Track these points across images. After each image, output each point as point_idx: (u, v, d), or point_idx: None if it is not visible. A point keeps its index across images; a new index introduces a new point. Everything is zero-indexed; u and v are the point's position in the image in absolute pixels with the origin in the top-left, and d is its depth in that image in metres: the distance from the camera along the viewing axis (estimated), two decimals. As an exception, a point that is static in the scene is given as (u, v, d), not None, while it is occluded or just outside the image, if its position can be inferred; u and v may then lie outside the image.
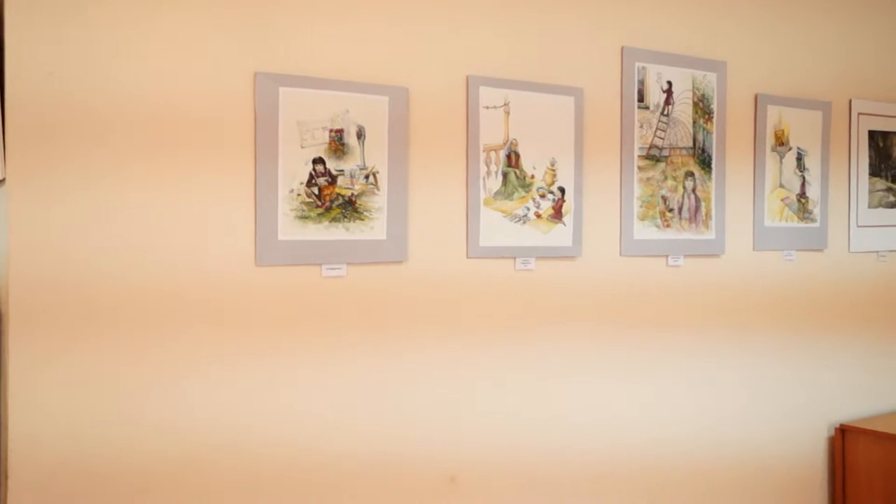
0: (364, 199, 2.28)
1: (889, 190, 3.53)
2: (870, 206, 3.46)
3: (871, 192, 3.46)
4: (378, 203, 2.30)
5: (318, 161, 2.22)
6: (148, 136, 2.00)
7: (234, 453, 2.11)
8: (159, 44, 2.01)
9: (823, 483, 3.31)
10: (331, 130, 2.23)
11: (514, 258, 2.54)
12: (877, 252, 3.49)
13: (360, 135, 2.28)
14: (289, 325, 2.19)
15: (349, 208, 2.26)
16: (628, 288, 2.78)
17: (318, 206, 2.22)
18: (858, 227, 3.42)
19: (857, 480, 3.21)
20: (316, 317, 2.23)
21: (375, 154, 2.30)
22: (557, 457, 2.63)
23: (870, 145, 3.45)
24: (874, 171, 3.47)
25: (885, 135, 3.50)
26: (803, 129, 3.20)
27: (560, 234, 2.61)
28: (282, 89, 2.16)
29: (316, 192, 2.22)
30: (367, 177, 2.29)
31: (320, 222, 2.22)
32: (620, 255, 2.76)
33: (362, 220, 2.28)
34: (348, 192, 2.26)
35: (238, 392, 2.12)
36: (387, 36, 2.33)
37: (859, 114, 3.40)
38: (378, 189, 2.30)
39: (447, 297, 2.43)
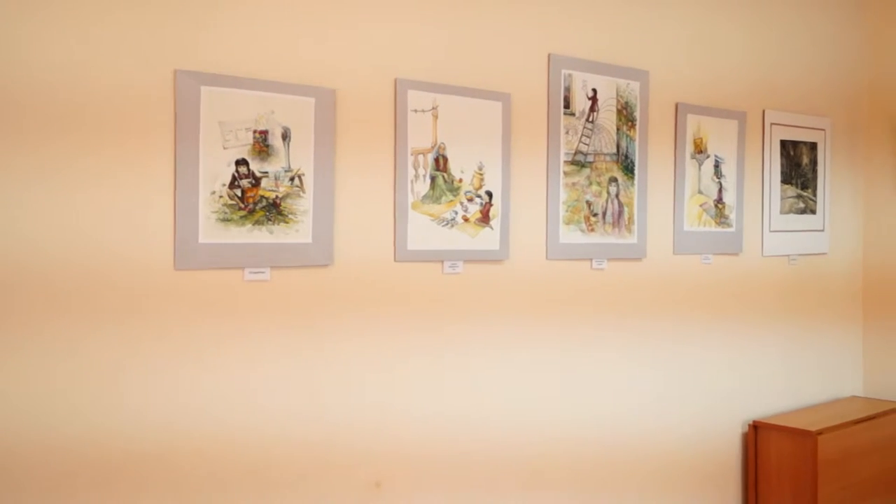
0: (289, 201, 2.17)
1: (799, 197, 3.57)
2: (781, 212, 3.49)
3: (782, 198, 3.50)
4: (303, 206, 2.19)
5: (241, 162, 2.09)
6: (62, 134, 1.85)
7: (155, 460, 1.97)
8: (73, 35, 1.86)
9: (738, 475, 3.33)
10: (255, 131, 2.11)
11: (442, 261, 2.46)
12: (788, 256, 3.53)
13: (286, 136, 2.16)
14: (209, 330, 2.06)
15: (273, 211, 2.14)
16: (554, 291, 2.73)
17: (241, 209, 2.09)
18: (771, 231, 3.45)
19: (768, 473, 3.25)
20: (238, 322, 2.10)
21: (301, 156, 2.19)
22: (486, 458, 2.56)
23: (781, 154, 3.49)
24: (785, 179, 3.51)
25: (795, 144, 3.54)
26: (720, 137, 3.21)
27: (487, 238, 2.54)
28: (203, 88, 2.03)
29: (239, 194, 2.09)
30: (292, 179, 2.17)
31: (243, 225, 2.10)
32: (547, 258, 2.71)
33: (287, 222, 2.16)
34: (273, 195, 2.14)
35: (155, 398, 1.98)
36: (314, 37, 2.21)
37: (772, 124, 3.44)
38: (304, 191, 2.19)
39: (374, 300, 2.34)
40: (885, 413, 3.49)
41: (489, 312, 2.57)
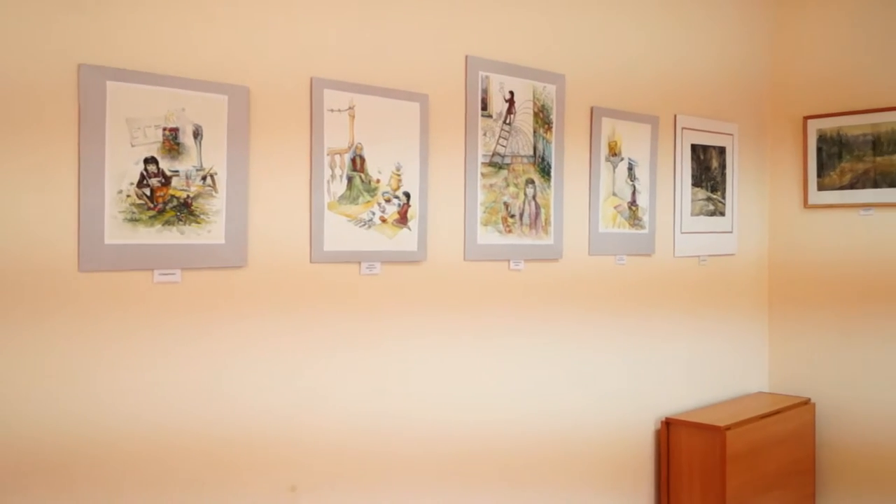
0: (201, 201, 2.11)
1: (709, 199, 3.68)
2: (692, 214, 3.60)
3: (693, 200, 3.60)
4: (216, 206, 2.13)
5: (150, 161, 2.02)
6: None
7: (57, 465, 1.89)
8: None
9: (651, 469, 3.41)
10: (165, 129, 2.05)
11: (360, 263, 2.44)
12: (698, 256, 3.63)
13: (197, 134, 2.10)
14: (117, 333, 1.98)
15: (184, 211, 2.08)
16: (472, 291, 2.74)
17: (149, 209, 2.02)
18: (682, 233, 3.54)
19: (679, 467, 3.34)
20: (147, 324, 2.03)
21: (214, 155, 2.13)
22: (405, 456, 2.55)
23: (692, 157, 3.59)
24: (696, 182, 3.62)
25: (705, 148, 3.65)
26: (634, 140, 3.28)
27: (405, 239, 2.53)
28: (109, 83, 1.95)
29: (148, 193, 2.02)
30: (204, 178, 2.11)
31: (152, 225, 2.03)
32: (464, 259, 2.71)
33: (199, 223, 2.10)
34: (184, 194, 2.08)
35: (57, 401, 1.89)
36: (227, 33, 2.16)
37: (683, 128, 3.53)
38: (216, 191, 2.13)
39: (290, 302, 2.29)
40: (788, 408, 3.63)
41: (407, 313, 2.56)
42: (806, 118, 3.90)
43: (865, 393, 3.73)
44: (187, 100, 2.08)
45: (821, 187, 3.86)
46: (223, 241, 2.15)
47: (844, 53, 3.80)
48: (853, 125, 3.74)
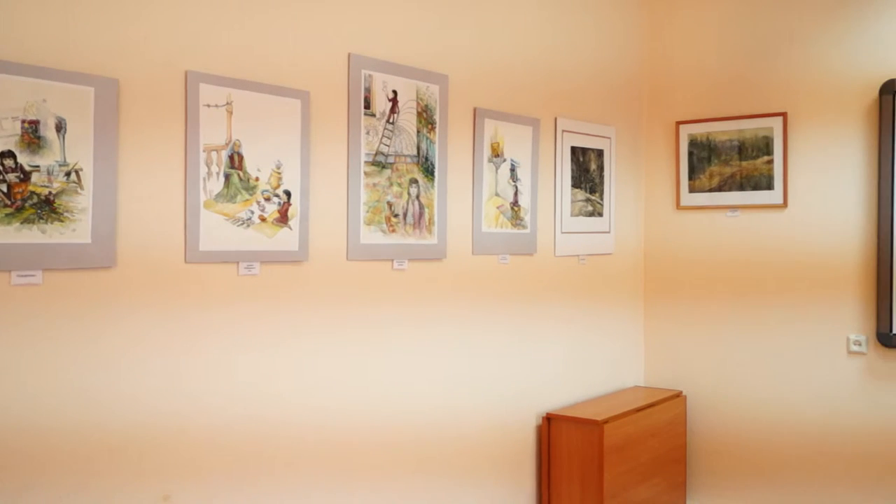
0: (65, 198, 1.99)
1: (587, 200, 3.79)
2: (572, 215, 3.69)
3: (573, 202, 3.70)
4: (81, 203, 2.02)
5: (7, 155, 1.90)
6: None
7: None
8: None
9: (532, 462, 3.48)
10: (24, 121, 1.93)
11: (238, 263, 2.37)
12: (578, 256, 3.73)
13: (60, 128, 1.99)
14: (-31, 341, 1.85)
15: (46, 208, 1.96)
16: (355, 291, 2.71)
17: (6, 206, 1.90)
18: (563, 233, 3.63)
19: (559, 460, 3.42)
20: (4, 329, 1.90)
21: (79, 150, 2.02)
22: (283, 458, 2.49)
23: (572, 160, 3.68)
24: (575, 183, 3.72)
25: (584, 150, 3.76)
26: (516, 142, 3.34)
27: (286, 239, 2.48)
28: (-40, 71, 1.81)
29: (5, 189, 1.90)
30: (68, 174, 2.00)
31: (9, 224, 1.90)
32: (347, 259, 2.68)
33: (62, 221, 1.99)
34: (45, 191, 1.96)
35: None
36: (94, 21, 2.05)
37: (563, 131, 3.62)
38: (82, 188, 2.02)
39: (163, 304, 2.20)
40: (662, 401, 3.79)
41: (288, 314, 2.51)
42: (678, 123, 4.07)
43: (732, 384, 3.94)
44: (49, 91, 1.96)
45: (691, 189, 4.04)
46: (89, 241, 2.04)
47: (714, 62, 4.00)
48: (721, 131, 3.94)
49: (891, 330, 3.50)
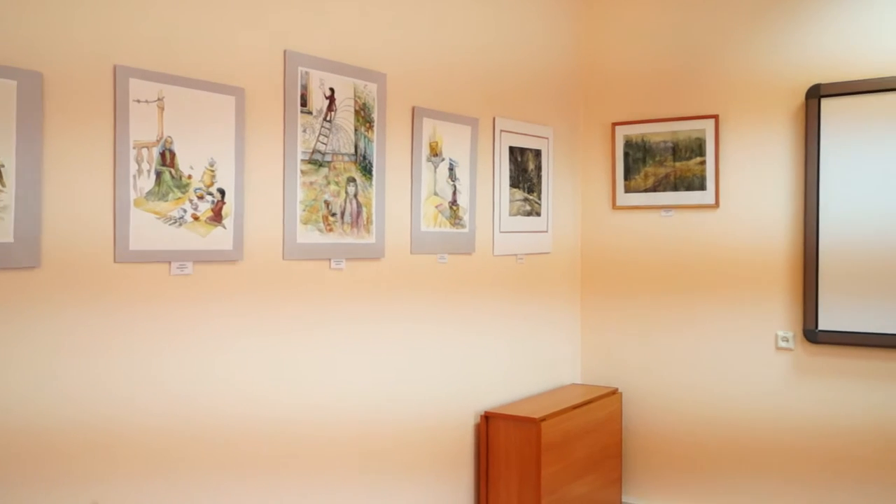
0: (-15, 196, 1.92)
1: (526, 200, 3.83)
2: (510, 214, 3.72)
3: (511, 201, 3.73)
4: (3, 201, 1.96)
5: (-78, 150, 1.82)
6: None
7: None
8: None
9: (471, 460, 3.50)
10: (-60, 115, 1.85)
11: (170, 262, 2.32)
12: (516, 255, 3.77)
13: (-19, 122, 1.91)
14: None
15: (-35, 206, 1.89)
16: (291, 291, 2.69)
17: (-78, 203, 1.82)
18: (501, 232, 3.66)
19: (498, 457, 3.45)
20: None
21: (0, 145, 1.94)
22: (213, 457, 2.45)
23: (510, 159, 3.72)
24: (514, 183, 3.75)
25: (523, 150, 3.80)
26: (455, 141, 3.35)
27: (220, 238, 2.44)
28: None
29: (-80, 186, 1.82)
30: (-12, 171, 1.93)
31: (-75, 222, 1.83)
32: (283, 258, 2.65)
33: (-18, 220, 1.92)
34: (-36, 188, 1.89)
35: None
36: (17, 12, 1.98)
37: (502, 131, 3.65)
38: (3, 185, 1.96)
39: (91, 305, 2.14)
40: (598, 398, 3.85)
41: (221, 315, 2.47)
42: (614, 124, 4.15)
43: (666, 380, 4.03)
44: (-32, 84, 1.89)
45: (627, 190, 4.12)
46: (12, 240, 1.97)
47: (649, 65, 4.08)
48: (655, 132, 4.03)
49: (816, 326, 3.63)
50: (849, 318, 3.55)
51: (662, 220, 4.05)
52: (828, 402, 3.64)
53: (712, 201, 3.89)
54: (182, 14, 2.35)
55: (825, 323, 3.61)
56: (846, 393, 3.60)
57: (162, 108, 2.29)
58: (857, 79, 3.55)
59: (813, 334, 3.63)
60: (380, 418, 3.04)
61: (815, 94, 3.60)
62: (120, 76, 2.19)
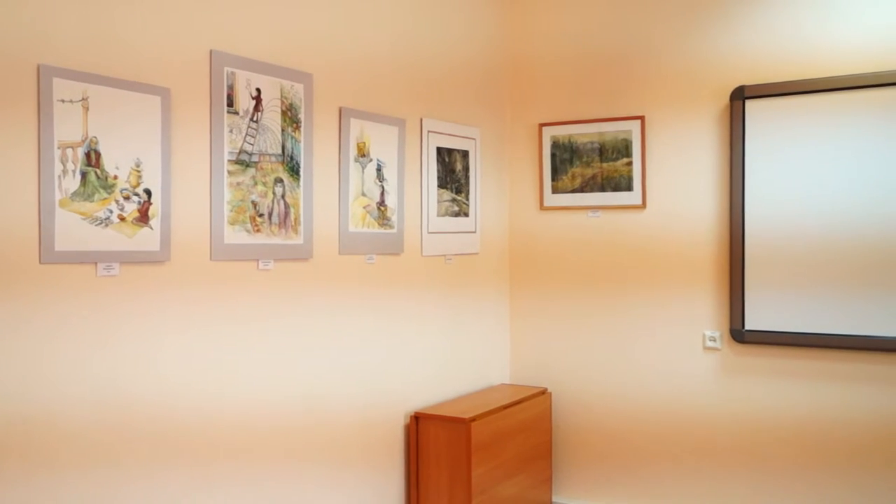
0: None
1: (454, 200, 4.02)
2: (438, 215, 3.91)
3: (439, 202, 3.92)
4: (-74, 201, 2.03)
5: None
6: None
7: None
8: None
9: (401, 461, 3.66)
10: None
11: (96, 263, 2.42)
12: (444, 256, 3.95)
13: None
14: None
15: None
16: (219, 292, 2.81)
17: None
18: (429, 233, 3.84)
19: (428, 458, 3.63)
20: None
21: (-77, 145, 2.03)
22: (138, 462, 2.56)
23: (438, 160, 3.90)
24: (441, 184, 3.94)
25: (450, 151, 3.99)
26: (382, 142, 3.52)
27: (147, 239, 2.55)
28: None
29: None
30: (-89, 171, 2.01)
31: None
32: (211, 259, 2.78)
33: None
34: None
35: None
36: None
37: (429, 131, 3.84)
38: (-74, 185, 2.03)
39: (15, 307, 2.23)
40: (527, 398, 4.06)
41: (148, 315, 2.58)
42: (541, 125, 4.38)
43: (595, 380, 4.26)
44: None
45: (555, 190, 4.35)
46: (-65, 241, 2.05)
47: (575, 66, 4.31)
48: (582, 133, 4.26)
49: (743, 326, 3.83)
50: (775, 317, 3.75)
51: (590, 221, 4.27)
52: (755, 401, 3.85)
53: (639, 202, 4.11)
54: (107, 13, 2.45)
55: (752, 323, 3.81)
56: (773, 392, 3.81)
57: (87, 108, 2.39)
58: (780, 80, 3.78)
59: (739, 334, 3.83)
60: (308, 418, 3.18)
61: (740, 96, 3.81)
62: (44, 75, 2.29)
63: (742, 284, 3.82)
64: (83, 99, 2.39)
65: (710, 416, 3.98)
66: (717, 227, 3.95)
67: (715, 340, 3.94)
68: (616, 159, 4.16)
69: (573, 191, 4.28)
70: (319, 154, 3.22)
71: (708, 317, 3.96)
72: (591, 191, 4.22)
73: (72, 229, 2.35)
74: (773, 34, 3.82)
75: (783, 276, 3.76)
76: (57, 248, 2.32)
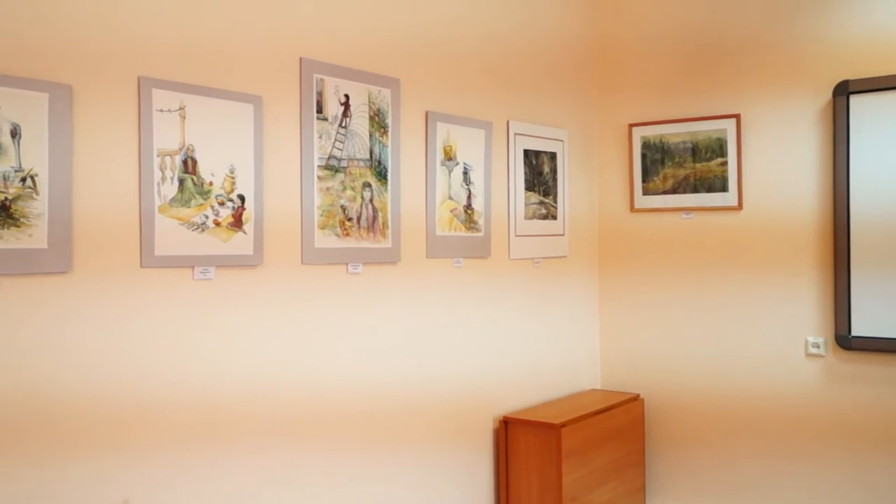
0: (21, 204, 2.15)
1: (541, 203, 4.03)
2: (526, 218, 3.92)
3: (526, 204, 3.93)
4: (38, 209, 2.17)
5: (-37, 161, 2.04)
6: None
7: None
8: None
9: (490, 465, 3.68)
10: (-22, 127, 2.07)
11: (193, 267, 2.53)
12: (532, 259, 3.96)
13: (15, 133, 2.14)
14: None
15: (2, 214, 2.11)
16: (310, 295, 2.89)
17: (-37, 211, 2.04)
18: (517, 236, 3.86)
19: (518, 463, 3.63)
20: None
21: (34, 155, 2.17)
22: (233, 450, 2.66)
23: (525, 163, 3.91)
24: (529, 186, 3.94)
25: (537, 153, 4.00)
26: (469, 145, 3.56)
27: (240, 243, 2.65)
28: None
29: (-39, 195, 2.04)
30: (24, 180, 2.15)
31: (-34, 229, 2.05)
32: (302, 263, 2.86)
33: (18, 227, 2.14)
34: (1, 197, 2.11)
35: None
36: (46, 26, 2.20)
37: (516, 134, 3.85)
38: (37, 193, 2.17)
39: (118, 310, 2.36)
40: (619, 404, 4.02)
41: (243, 319, 2.67)
42: (630, 126, 4.33)
43: (690, 386, 4.19)
44: (4, 97, 2.11)
45: (645, 192, 4.30)
46: (45, 246, 2.19)
47: (666, 64, 4.26)
48: (674, 133, 4.19)
49: (849, 332, 3.68)
50: (885, 323, 3.59)
51: (683, 223, 4.20)
52: (863, 413, 3.71)
53: (735, 203, 4.02)
54: (201, 25, 2.57)
55: (859, 328, 3.66)
56: (885, 403, 3.66)
57: (183, 117, 2.51)
58: (888, 74, 3.63)
59: (846, 340, 3.68)
60: (395, 423, 3.23)
61: (844, 91, 3.67)
62: (144, 87, 2.41)
63: (848, 288, 3.68)
64: (180, 108, 2.50)
65: (813, 427, 3.85)
66: (819, 229, 3.83)
67: (818, 347, 3.81)
68: (710, 159, 4.09)
69: (665, 192, 4.22)
70: (406, 158, 3.28)
71: (810, 322, 3.84)
72: (684, 192, 4.16)
73: (170, 234, 2.47)
74: (877, 25, 3.68)
75: (893, 279, 3.60)
76: (157, 253, 2.44)
